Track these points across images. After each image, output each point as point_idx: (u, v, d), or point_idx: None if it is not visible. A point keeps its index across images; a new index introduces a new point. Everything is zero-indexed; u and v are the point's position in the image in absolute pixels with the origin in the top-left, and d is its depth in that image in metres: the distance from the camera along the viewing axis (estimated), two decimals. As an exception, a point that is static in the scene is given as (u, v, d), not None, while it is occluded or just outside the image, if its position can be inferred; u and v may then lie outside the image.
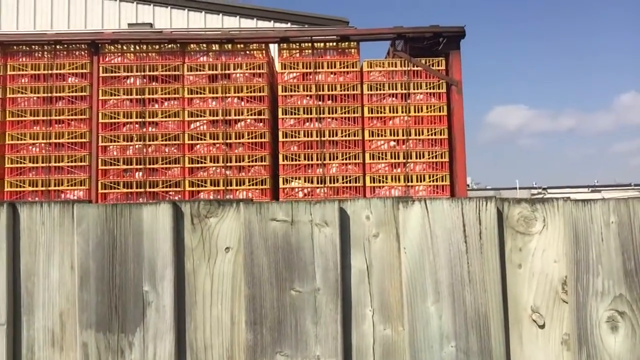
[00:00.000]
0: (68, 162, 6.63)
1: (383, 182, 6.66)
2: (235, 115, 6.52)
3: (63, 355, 0.99)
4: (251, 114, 6.53)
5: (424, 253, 1.01)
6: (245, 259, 1.00)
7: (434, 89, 6.59)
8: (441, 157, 6.60)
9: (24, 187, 6.65)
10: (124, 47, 6.68)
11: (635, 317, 1.00)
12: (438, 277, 1.01)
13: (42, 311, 1.00)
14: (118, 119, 6.57)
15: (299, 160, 6.61)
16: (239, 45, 6.64)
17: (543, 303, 1.03)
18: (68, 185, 6.70)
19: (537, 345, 1.02)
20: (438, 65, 6.61)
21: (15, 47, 6.81)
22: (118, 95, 6.62)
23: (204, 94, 6.54)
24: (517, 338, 1.02)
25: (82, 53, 6.73)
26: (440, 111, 6.57)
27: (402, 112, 6.58)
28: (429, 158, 6.62)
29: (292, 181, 6.67)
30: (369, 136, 6.58)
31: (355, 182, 6.63)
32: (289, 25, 9.65)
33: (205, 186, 6.59)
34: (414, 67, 6.56)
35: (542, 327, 1.02)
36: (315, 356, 0.99)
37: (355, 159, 6.63)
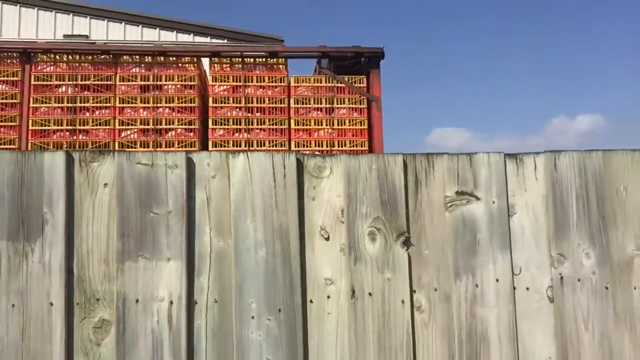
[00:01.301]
0: (-5, 168, 6.75)
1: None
2: (166, 124, 6.90)
3: (-19, 258, 1.40)
4: (182, 124, 6.94)
5: (245, 187, 1.50)
6: (118, 191, 1.45)
7: (356, 104, 7.23)
8: (362, 168, 7.18)
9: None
10: (57, 57, 6.96)
11: (387, 231, 1.53)
12: (255, 204, 1.50)
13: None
14: (49, 126, 6.81)
15: (228, 169, 7.01)
16: (171, 58, 7.06)
17: (328, 223, 1.53)
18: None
19: (324, 251, 1.52)
20: (360, 83, 7.27)
21: (-57, 53, 6.95)
22: (49, 103, 6.87)
23: (135, 103, 6.90)
24: (311, 246, 1.52)
25: (14, 61, 6.96)
26: (361, 125, 7.21)
27: (327, 124, 7.18)
28: (351, 168, 7.18)
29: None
30: (295, 146, 7.12)
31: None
32: (225, 41, 10.13)
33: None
34: (337, 83, 7.19)
35: (327, 239, 1.53)
36: (167, 258, 1.45)
37: (282, 168, 7.09)
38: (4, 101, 6.85)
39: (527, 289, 1.57)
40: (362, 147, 7.23)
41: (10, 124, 6.83)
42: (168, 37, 10.17)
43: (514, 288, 1.56)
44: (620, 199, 1.62)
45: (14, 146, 6.78)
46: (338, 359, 1.49)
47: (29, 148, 6.76)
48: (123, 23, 10.10)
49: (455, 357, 1.51)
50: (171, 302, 1.43)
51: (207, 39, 10.21)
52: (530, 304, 1.57)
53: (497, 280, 1.55)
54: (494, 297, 1.54)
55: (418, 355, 1.51)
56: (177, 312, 1.42)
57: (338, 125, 7.23)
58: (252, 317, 1.45)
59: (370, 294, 1.51)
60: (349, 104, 7.28)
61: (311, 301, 1.50)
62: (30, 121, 6.82)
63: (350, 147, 7.22)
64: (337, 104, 7.25)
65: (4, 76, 6.92)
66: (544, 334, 1.56)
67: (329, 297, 1.51)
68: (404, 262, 1.52)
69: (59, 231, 1.43)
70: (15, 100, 6.89)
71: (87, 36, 9.97)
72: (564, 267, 1.57)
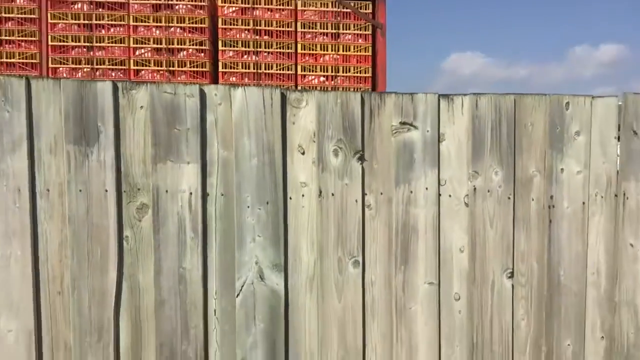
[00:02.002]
0: (18, 80, 7.30)
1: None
2: (177, 44, 7.35)
3: (56, 158, 2.01)
4: (193, 44, 7.37)
5: (243, 113, 2.07)
6: (151, 112, 2.03)
7: (361, 30, 7.59)
8: (364, 93, 7.65)
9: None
10: (72, -27, 7.29)
11: (347, 149, 2.11)
12: (249, 125, 2.08)
13: (45, 136, 2.01)
14: (67, 42, 7.28)
15: (237, 90, 7.52)
16: (182, -22, 7.36)
17: (304, 142, 2.11)
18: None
19: (300, 162, 2.12)
20: (365, 9, 7.58)
21: (-37, -34, 7.28)
22: (66, 20, 7.30)
23: (148, 22, 7.31)
24: (291, 158, 2.11)
25: (31, -24, 7.30)
26: (366, 51, 7.60)
27: (332, 50, 7.57)
28: (353, 93, 7.65)
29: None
30: (302, 71, 7.57)
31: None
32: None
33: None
34: (343, 9, 7.50)
35: (303, 154, 2.12)
36: (186, 162, 2.05)
37: (287, 91, 7.59)
38: (24, 16, 7.29)
39: (450, 196, 2.18)
40: (365, 73, 7.66)
41: (30, 38, 7.30)
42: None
43: (439, 195, 2.17)
44: (527, 133, 2.19)
45: (35, 60, 7.29)
46: (308, 239, 2.13)
47: (50, 63, 7.28)
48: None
49: (393, 241, 2.15)
50: (190, 194, 2.05)
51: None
52: (451, 207, 2.18)
53: (427, 188, 2.15)
54: (424, 201, 2.15)
55: (366, 239, 2.15)
56: (194, 200, 2.05)
57: (343, 50, 7.62)
58: (248, 207, 2.08)
59: (332, 194, 2.12)
60: (354, 30, 7.63)
61: (290, 198, 2.12)
62: (49, 37, 7.28)
63: (355, 73, 7.65)
64: (343, 29, 7.59)
65: (22, -9, 7.29)
66: (460, 229, 2.18)
67: (303, 195, 2.13)
68: (358, 173, 2.13)
69: (110, 139, 2.03)
70: (33, 16, 7.32)
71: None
72: (477, 181, 2.17)
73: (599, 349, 2.25)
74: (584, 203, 2.22)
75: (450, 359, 2.17)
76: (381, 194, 2.15)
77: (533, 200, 2.21)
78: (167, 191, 2.04)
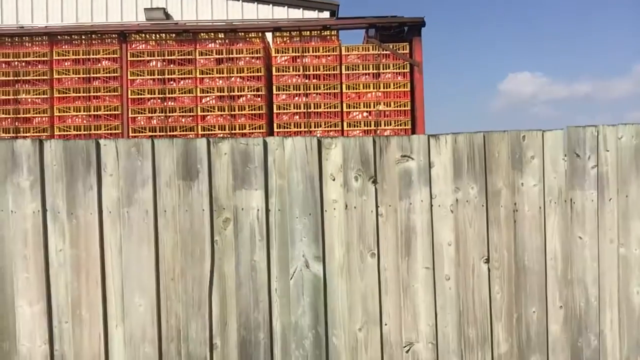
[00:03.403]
0: (105, 130, 8.82)
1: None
2: (237, 91, 8.67)
3: (170, 189, 3.15)
4: (251, 91, 8.67)
5: (292, 156, 3.14)
6: (231, 157, 3.15)
7: (399, 69, 8.66)
8: (405, 125, 8.68)
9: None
10: (147, 36, 8.81)
11: (364, 176, 3.13)
12: (297, 162, 3.14)
13: (163, 175, 3.16)
14: (143, 94, 8.75)
15: (290, 128, 8.73)
16: (240, 34, 8.73)
17: (334, 172, 3.16)
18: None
19: (332, 186, 3.16)
20: (403, 50, 8.66)
21: (59, 36, 8.95)
22: (143, 76, 8.79)
23: (212, 74, 8.69)
24: (325, 183, 3.16)
25: (113, 41, 8.88)
26: (404, 87, 8.65)
27: (374, 88, 8.67)
28: (395, 125, 8.69)
29: (283, 144, 8.86)
30: (347, 108, 8.70)
31: (334, 145, 8.79)
32: (285, 8, 11.69)
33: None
34: (383, 50, 8.62)
35: (334, 180, 3.16)
36: (255, 189, 3.13)
37: (335, 127, 8.73)
38: (108, 75, 8.83)
39: (439, 205, 3.15)
40: (405, 107, 8.68)
41: (113, 93, 8.83)
42: (235, 5, 11.84)
43: (432, 205, 3.15)
44: (495, 159, 3.15)
45: (117, 112, 8.79)
46: (339, 239, 3.15)
47: (130, 114, 8.76)
48: (195, -5, 11.85)
49: (399, 239, 3.14)
50: (258, 210, 3.13)
51: (269, 7, 11.79)
52: (441, 213, 3.15)
53: (422, 201, 3.14)
54: (420, 210, 3.14)
55: (380, 238, 3.15)
56: (261, 214, 3.13)
57: (384, 88, 8.70)
58: (296, 217, 3.14)
59: (355, 207, 3.15)
60: (394, 69, 8.71)
61: (325, 210, 3.16)
62: (129, 91, 8.77)
63: (395, 107, 8.70)
64: (383, 69, 8.70)
65: (106, 54, 8.87)
66: (448, 229, 3.15)
67: (334, 209, 3.16)
68: (372, 191, 3.15)
69: (205, 176, 3.15)
70: (116, 74, 8.85)
71: (164, 9, 11.82)
72: (459, 194, 3.14)
73: (558, 315, 3.12)
74: (540, 207, 3.14)
75: (443, 323, 3.11)
76: (389, 205, 3.16)
77: (501, 206, 3.15)
78: (242, 209, 3.14)
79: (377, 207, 3.15)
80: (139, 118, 8.77)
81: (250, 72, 8.72)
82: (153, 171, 3.15)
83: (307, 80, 8.69)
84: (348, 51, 8.73)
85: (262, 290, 3.12)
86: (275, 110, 8.71)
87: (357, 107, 8.70)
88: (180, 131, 8.66)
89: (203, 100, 8.73)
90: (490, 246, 3.14)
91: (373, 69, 8.68)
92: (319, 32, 8.69)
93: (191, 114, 8.70)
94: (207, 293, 3.13)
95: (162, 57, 8.78)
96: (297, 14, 11.60)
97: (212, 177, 3.16)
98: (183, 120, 8.73)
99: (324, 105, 8.68)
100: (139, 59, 8.82)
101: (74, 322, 3.08)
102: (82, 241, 3.09)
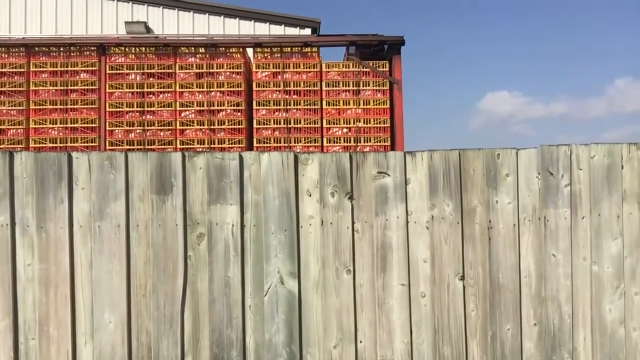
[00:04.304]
0: (81, 143, 8.69)
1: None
2: (217, 106, 8.65)
3: (143, 203, 3.11)
4: (231, 105, 8.66)
5: (268, 171, 3.13)
6: (207, 171, 3.12)
7: (379, 86, 8.73)
8: (384, 142, 8.72)
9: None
10: (127, 49, 8.77)
11: (340, 192, 3.13)
12: (273, 178, 3.13)
13: (136, 189, 3.13)
14: (122, 108, 8.67)
15: (270, 144, 8.71)
16: (221, 49, 8.74)
17: (311, 188, 3.15)
18: (82, 162, 8.84)
19: (308, 202, 3.15)
20: (383, 67, 8.75)
21: (36, 48, 8.86)
22: (122, 89, 8.72)
23: (192, 88, 8.66)
24: (301, 199, 3.15)
25: (92, 53, 8.82)
26: (384, 104, 8.72)
27: (354, 104, 8.72)
28: (374, 142, 8.73)
29: (262, 160, 8.83)
30: (327, 124, 8.73)
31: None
32: (267, 24, 11.74)
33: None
34: (363, 68, 8.69)
35: (310, 196, 3.15)
36: (230, 204, 3.11)
37: (315, 143, 8.74)
38: (86, 87, 8.75)
39: (415, 222, 3.16)
40: (384, 123, 8.74)
41: (91, 106, 8.74)
42: (216, 20, 11.87)
43: (407, 222, 3.15)
44: (470, 176, 3.17)
45: (95, 125, 8.69)
46: (315, 255, 3.13)
47: (107, 127, 8.66)
48: (176, 10, 11.87)
49: (374, 255, 3.13)
50: (233, 225, 3.11)
51: (251, 23, 11.84)
52: (416, 230, 3.16)
53: (398, 217, 3.14)
54: (396, 226, 3.14)
55: (356, 254, 3.14)
56: (236, 230, 3.10)
57: (364, 105, 8.76)
58: (272, 233, 3.12)
59: (331, 223, 3.14)
60: (374, 87, 8.78)
61: (301, 226, 3.15)
62: (107, 104, 8.69)
63: (375, 124, 8.75)
64: (363, 86, 8.76)
65: (85, 66, 8.79)
66: (423, 245, 3.15)
67: (310, 224, 3.15)
68: (348, 207, 3.14)
69: (179, 190, 3.12)
70: (94, 87, 8.77)
71: (145, 22, 11.80)
72: (434, 211, 3.15)
73: (532, 332, 3.13)
74: (514, 225, 3.16)
75: (418, 340, 3.10)
76: (365, 222, 3.15)
77: (477, 223, 3.17)
78: (217, 224, 3.11)
79: (353, 223, 3.15)
80: (116, 131, 8.69)
81: (231, 87, 8.72)
82: (126, 185, 3.11)
83: (287, 96, 8.71)
84: (329, 68, 8.78)
85: (235, 307, 3.08)
86: (255, 125, 8.70)
87: (337, 124, 8.73)
88: (159, 145, 8.59)
89: (182, 114, 8.69)
90: (465, 263, 3.15)
91: (353, 86, 8.74)
92: (299, 48, 8.74)
93: (170, 127, 8.64)
94: (180, 309, 3.08)
95: (142, 71, 8.74)
96: (278, 30, 11.66)
97: (186, 192, 3.13)
98: (161, 134, 8.66)
99: (304, 121, 8.70)
100: (118, 72, 8.76)
101: (41, 338, 3.00)
102: (51, 255, 3.03)
